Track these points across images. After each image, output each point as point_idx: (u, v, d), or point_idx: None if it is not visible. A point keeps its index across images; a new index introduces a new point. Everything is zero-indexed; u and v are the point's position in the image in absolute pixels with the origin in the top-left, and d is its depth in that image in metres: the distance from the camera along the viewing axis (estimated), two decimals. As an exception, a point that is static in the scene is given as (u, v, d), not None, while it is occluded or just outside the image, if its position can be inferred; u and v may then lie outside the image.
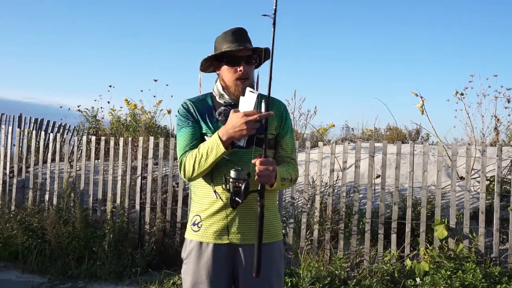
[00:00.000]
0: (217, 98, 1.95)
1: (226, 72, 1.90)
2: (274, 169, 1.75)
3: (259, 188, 1.76)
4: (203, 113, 1.93)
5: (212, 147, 1.76)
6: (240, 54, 1.87)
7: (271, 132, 1.92)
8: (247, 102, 1.73)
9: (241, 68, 1.86)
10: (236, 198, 1.73)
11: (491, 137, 6.74)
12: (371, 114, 19.49)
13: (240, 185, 1.71)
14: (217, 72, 1.97)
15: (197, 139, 1.88)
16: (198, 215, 1.92)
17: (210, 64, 1.96)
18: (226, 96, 1.92)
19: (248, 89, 1.75)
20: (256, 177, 1.73)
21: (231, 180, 1.72)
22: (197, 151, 1.82)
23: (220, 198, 1.86)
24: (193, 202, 1.98)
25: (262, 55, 1.94)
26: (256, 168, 1.73)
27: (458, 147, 5.25)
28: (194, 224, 1.93)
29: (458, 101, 5.93)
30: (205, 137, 1.89)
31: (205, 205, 1.91)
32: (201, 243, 1.89)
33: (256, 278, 1.78)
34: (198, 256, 1.89)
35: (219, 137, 1.74)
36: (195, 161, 1.81)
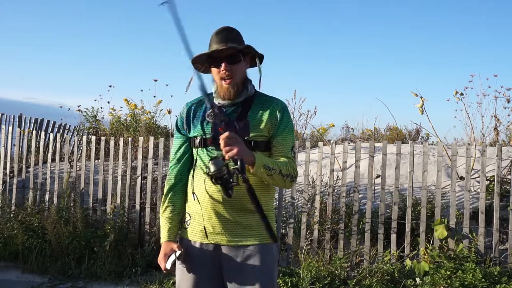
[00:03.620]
0: (214, 98, 1.94)
1: (213, 73, 1.90)
2: (239, 139, 1.68)
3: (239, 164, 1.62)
4: (198, 116, 1.95)
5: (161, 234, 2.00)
6: (222, 54, 1.84)
7: (262, 134, 1.87)
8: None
9: (222, 68, 1.84)
10: (231, 184, 1.67)
11: (491, 137, 6.75)
12: (371, 114, 19.53)
13: (224, 172, 1.66)
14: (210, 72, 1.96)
15: (183, 150, 1.98)
16: (188, 213, 1.96)
17: (207, 66, 1.95)
18: (218, 97, 1.91)
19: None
20: (224, 151, 1.64)
21: (214, 172, 1.66)
22: (163, 211, 2.00)
23: (198, 200, 1.88)
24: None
25: (255, 52, 1.91)
26: (220, 142, 1.64)
27: (458, 147, 5.25)
28: (184, 221, 1.98)
29: (458, 101, 5.94)
30: (195, 139, 1.92)
31: (190, 204, 1.95)
32: (189, 240, 1.93)
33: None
34: (186, 253, 1.92)
35: (161, 240, 1.99)
36: (161, 207, 2.02)
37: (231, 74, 1.85)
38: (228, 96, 1.87)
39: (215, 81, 1.92)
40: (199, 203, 1.88)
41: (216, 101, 1.91)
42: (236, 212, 1.85)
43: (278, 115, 1.89)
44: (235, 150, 1.62)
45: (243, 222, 1.86)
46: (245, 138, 1.80)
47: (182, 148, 1.98)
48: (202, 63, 1.93)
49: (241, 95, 1.89)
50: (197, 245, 1.90)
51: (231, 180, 1.67)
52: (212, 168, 1.67)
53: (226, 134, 1.65)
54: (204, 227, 1.88)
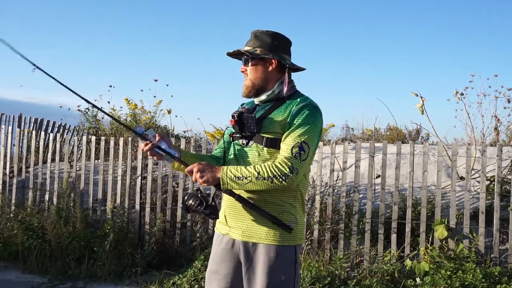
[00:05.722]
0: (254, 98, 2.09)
1: None
2: (198, 168, 1.83)
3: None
4: None
5: None
6: (242, 55, 2.01)
7: (275, 131, 1.88)
8: None
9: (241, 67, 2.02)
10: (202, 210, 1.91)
11: (491, 137, 6.75)
12: (371, 114, 19.51)
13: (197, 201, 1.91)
14: None
15: None
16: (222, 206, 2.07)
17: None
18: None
19: None
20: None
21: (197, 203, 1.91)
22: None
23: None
24: None
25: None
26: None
27: (458, 147, 5.25)
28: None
29: (458, 101, 5.93)
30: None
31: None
32: (218, 232, 2.05)
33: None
34: (215, 244, 2.05)
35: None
36: None
37: (245, 73, 2.00)
38: (242, 92, 2.01)
39: None
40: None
41: (257, 100, 2.02)
42: (248, 208, 1.89)
43: (293, 112, 1.88)
44: (200, 180, 1.82)
45: (255, 219, 1.89)
46: (254, 132, 1.89)
47: None
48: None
49: (261, 95, 1.98)
50: (220, 237, 2.01)
51: (203, 205, 1.89)
52: (192, 201, 1.91)
53: (195, 168, 1.84)
54: (225, 215, 1.98)
